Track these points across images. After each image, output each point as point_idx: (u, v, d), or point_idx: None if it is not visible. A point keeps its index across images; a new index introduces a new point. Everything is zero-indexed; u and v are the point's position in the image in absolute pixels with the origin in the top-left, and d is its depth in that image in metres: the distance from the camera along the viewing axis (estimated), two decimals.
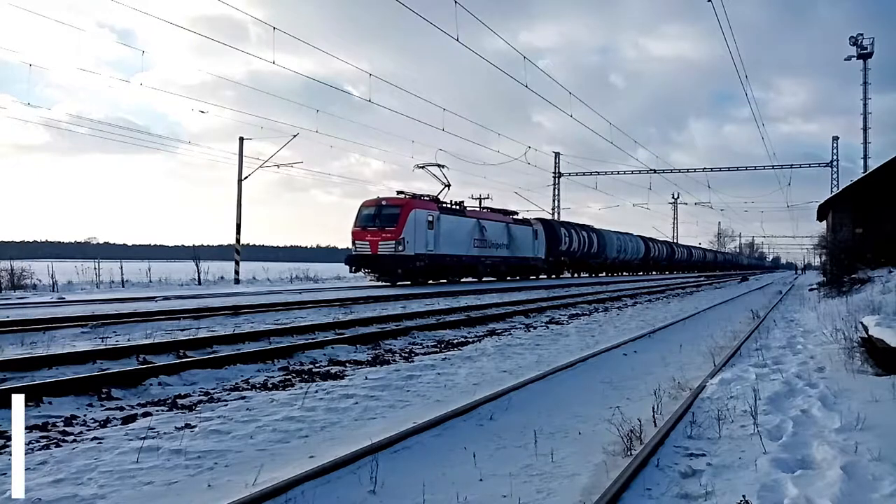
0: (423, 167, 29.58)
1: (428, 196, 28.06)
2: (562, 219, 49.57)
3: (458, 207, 29.91)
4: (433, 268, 27.03)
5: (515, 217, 35.86)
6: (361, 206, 26.29)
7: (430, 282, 27.54)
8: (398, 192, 27.21)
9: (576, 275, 44.97)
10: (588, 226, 46.71)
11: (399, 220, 24.96)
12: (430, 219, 26.37)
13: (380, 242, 24.93)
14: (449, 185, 29.75)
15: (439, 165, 29.55)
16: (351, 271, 27.00)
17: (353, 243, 25.81)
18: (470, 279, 31.16)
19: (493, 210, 34.50)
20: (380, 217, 25.40)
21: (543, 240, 37.41)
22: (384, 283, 25.67)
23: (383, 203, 25.94)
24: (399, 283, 25.57)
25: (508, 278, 34.03)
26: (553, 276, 40.04)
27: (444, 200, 29.18)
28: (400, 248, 24.73)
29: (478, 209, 32.92)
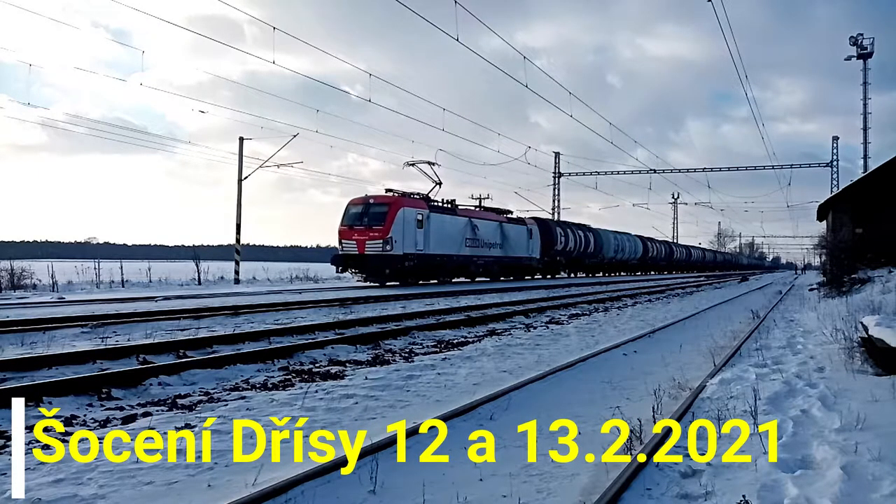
0: (413, 164, 28.79)
1: (418, 194, 27.49)
2: (562, 218, 49.54)
3: (449, 206, 29.29)
4: (422, 268, 26.46)
5: (509, 216, 35.27)
6: (349, 205, 25.57)
7: (421, 282, 27.00)
8: (387, 190, 26.63)
9: (572, 275, 44.58)
10: (585, 225, 46.41)
11: (387, 218, 24.28)
12: (420, 217, 25.79)
13: (367, 242, 24.26)
14: (440, 183, 29.10)
15: (430, 163, 28.86)
16: (337, 271, 26.34)
17: (340, 242, 25.06)
18: (462, 279, 30.66)
19: (486, 209, 33.95)
20: (367, 215, 24.71)
21: (538, 239, 36.97)
22: (373, 284, 25.03)
23: (371, 201, 25.23)
24: (388, 284, 25.01)
25: (502, 278, 33.53)
26: (548, 277, 39.63)
27: (435, 199, 28.58)
28: (388, 247, 24.12)
29: (470, 208, 32.32)
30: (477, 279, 31.62)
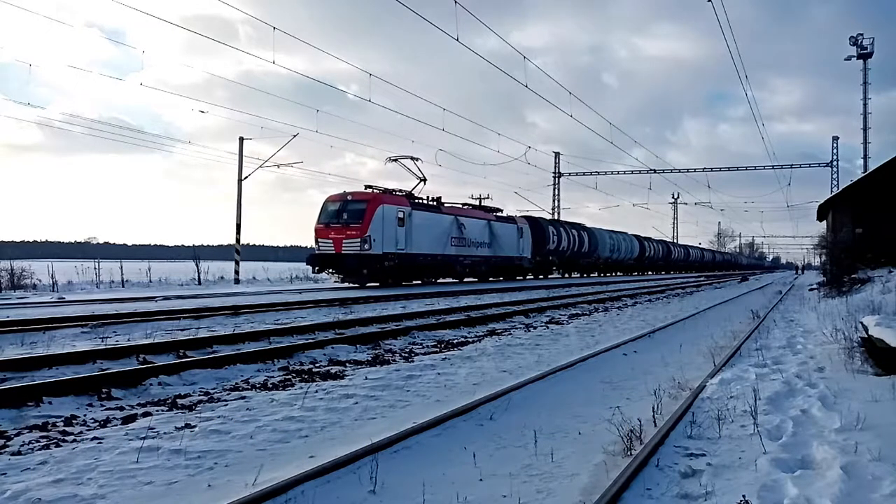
0: (395, 160, 27.71)
1: (400, 191, 26.58)
2: (562, 218, 49.44)
3: (433, 203, 28.34)
4: (404, 268, 25.39)
5: (498, 214, 34.25)
6: (326, 202, 24.51)
7: (404, 283, 26.11)
8: (366, 186, 25.69)
9: (566, 275, 43.82)
10: (579, 224, 45.83)
11: (365, 216, 23.24)
12: (401, 215, 24.85)
13: (344, 240, 23.21)
14: (424, 180, 27.98)
15: (413, 158, 27.80)
16: (314, 272, 25.41)
17: (316, 241, 23.97)
18: (449, 280, 29.85)
19: (474, 207, 33.18)
20: (345, 213, 23.65)
21: (529, 238, 36.18)
22: (352, 286, 24.06)
23: (349, 198, 24.16)
24: (369, 285, 24.10)
25: (491, 279, 32.70)
26: (540, 277, 38.88)
27: (420, 196, 27.60)
28: (366, 246, 23.03)
29: (457, 205, 31.19)
30: (471, 280, 30.97)
